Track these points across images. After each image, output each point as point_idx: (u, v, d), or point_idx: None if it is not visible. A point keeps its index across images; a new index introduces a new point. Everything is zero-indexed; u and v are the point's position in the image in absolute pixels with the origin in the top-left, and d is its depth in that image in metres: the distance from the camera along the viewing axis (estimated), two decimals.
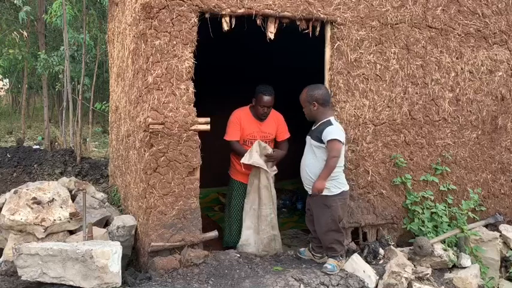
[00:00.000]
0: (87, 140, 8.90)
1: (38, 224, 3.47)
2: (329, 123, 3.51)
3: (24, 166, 6.50)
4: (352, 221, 4.03)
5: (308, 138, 3.67)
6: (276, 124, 4.14)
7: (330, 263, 3.55)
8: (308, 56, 4.78)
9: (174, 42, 3.31)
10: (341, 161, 3.56)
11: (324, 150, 3.48)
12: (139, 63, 3.45)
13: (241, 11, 3.47)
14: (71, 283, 2.99)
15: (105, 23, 6.93)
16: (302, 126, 4.07)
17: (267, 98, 3.93)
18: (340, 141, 3.43)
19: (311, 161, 3.57)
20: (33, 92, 14.30)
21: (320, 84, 3.71)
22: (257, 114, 4.02)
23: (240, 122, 4.01)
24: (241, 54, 5.78)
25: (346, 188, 3.61)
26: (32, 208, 3.53)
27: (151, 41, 3.26)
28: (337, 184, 3.53)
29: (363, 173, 4.04)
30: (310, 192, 3.63)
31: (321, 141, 3.48)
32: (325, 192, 3.49)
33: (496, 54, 4.54)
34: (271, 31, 3.61)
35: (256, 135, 4.04)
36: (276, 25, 3.63)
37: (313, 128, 3.66)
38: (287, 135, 4.19)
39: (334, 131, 3.45)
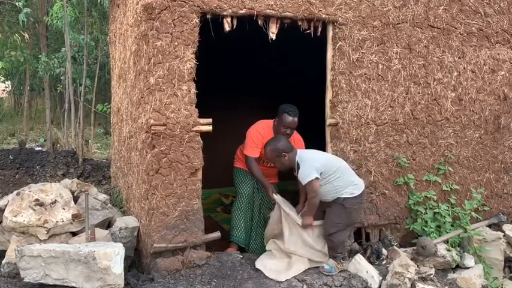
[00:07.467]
0: (89, 141, 8.89)
1: (41, 226, 3.48)
2: (298, 164, 3.49)
3: (26, 168, 6.49)
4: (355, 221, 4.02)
5: None
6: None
7: (329, 264, 3.54)
8: (310, 60, 4.77)
9: (176, 43, 3.30)
10: (343, 171, 3.51)
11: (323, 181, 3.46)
12: (141, 65, 3.45)
13: (243, 11, 3.46)
14: (74, 285, 3.00)
15: (107, 24, 6.93)
16: (304, 128, 4.07)
17: (291, 119, 3.70)
18: (314, 180, 3.38)
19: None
20: (35, 94, 14.30)
21: (274, 137, 3.68)
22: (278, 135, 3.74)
23: (262, 141, 3.78)
24: (241, 56, 5.78)
25: (362, 189, 3.56)
26: (34, 210, 3.53)
27: (153, 42, 3.25)
28: (354, 188, 3.50)
29: (365, 173, 4.03)
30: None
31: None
32: (345, 195, 3.48)
33: (498, 54, 4.53)
34: (272, 31, 3.61)
35: None
36: (278, 25, 3.62)
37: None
38: None
39: (305, 171, 3.41)
